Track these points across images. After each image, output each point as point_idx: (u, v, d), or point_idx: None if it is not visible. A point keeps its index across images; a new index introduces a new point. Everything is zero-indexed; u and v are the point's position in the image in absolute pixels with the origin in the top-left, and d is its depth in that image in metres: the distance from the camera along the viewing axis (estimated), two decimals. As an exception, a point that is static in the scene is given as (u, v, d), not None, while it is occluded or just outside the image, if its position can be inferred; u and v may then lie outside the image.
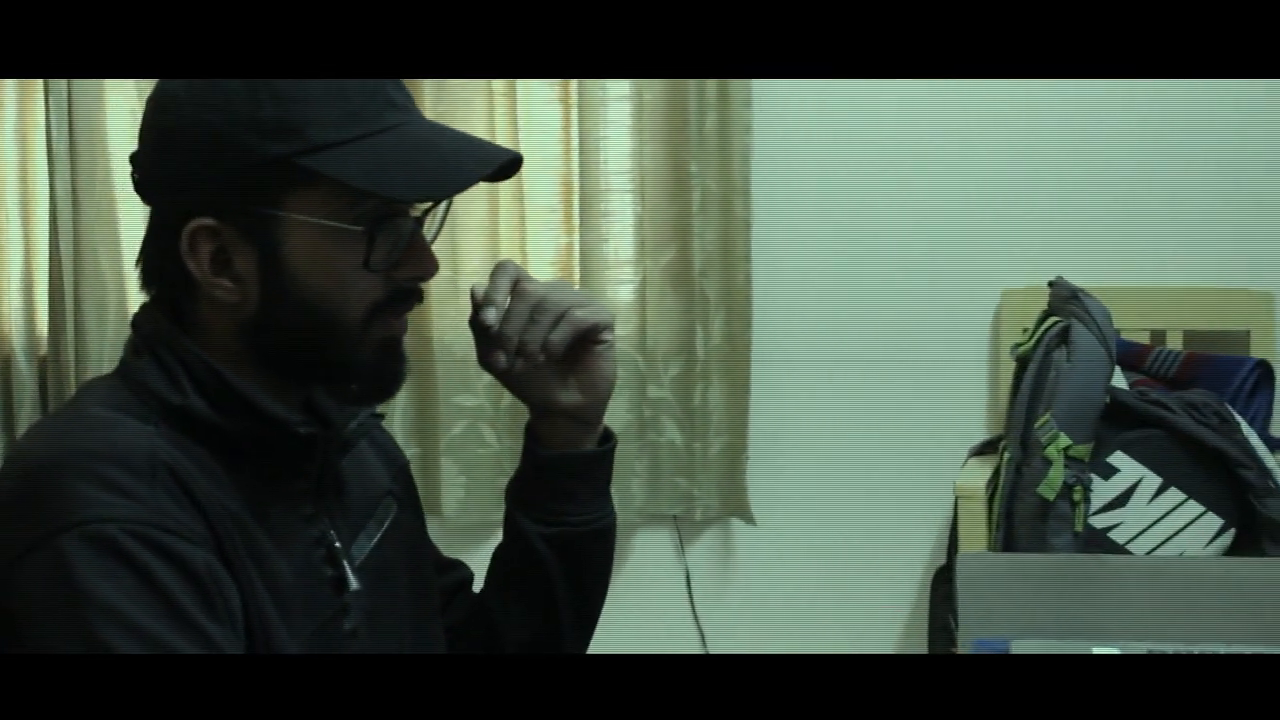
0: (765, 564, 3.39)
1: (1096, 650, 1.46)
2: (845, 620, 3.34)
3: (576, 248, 3.22)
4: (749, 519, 3.33)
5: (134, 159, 1.31)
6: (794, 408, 3.33)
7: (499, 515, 1.53)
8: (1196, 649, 1.44)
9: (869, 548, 3.33)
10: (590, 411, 1.48)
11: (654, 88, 3.15)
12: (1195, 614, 1.73)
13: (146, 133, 1.30)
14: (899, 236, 3.24)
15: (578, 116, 3.15)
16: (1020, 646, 1.47)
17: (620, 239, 3.22)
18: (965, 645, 1.59)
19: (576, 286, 1.48)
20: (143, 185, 1.31)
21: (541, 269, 3.18)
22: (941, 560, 3.19)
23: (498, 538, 1.54)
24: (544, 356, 1.41)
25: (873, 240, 3.25)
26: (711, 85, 3.10)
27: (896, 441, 3.31)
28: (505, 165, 1.32)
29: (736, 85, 3.11)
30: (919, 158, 3.22)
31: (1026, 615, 1.69)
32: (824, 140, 3.22)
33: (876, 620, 3.37)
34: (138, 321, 1.33)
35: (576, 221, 3.21)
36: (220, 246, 1.27)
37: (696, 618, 3.36)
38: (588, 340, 1.44)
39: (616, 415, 3.09)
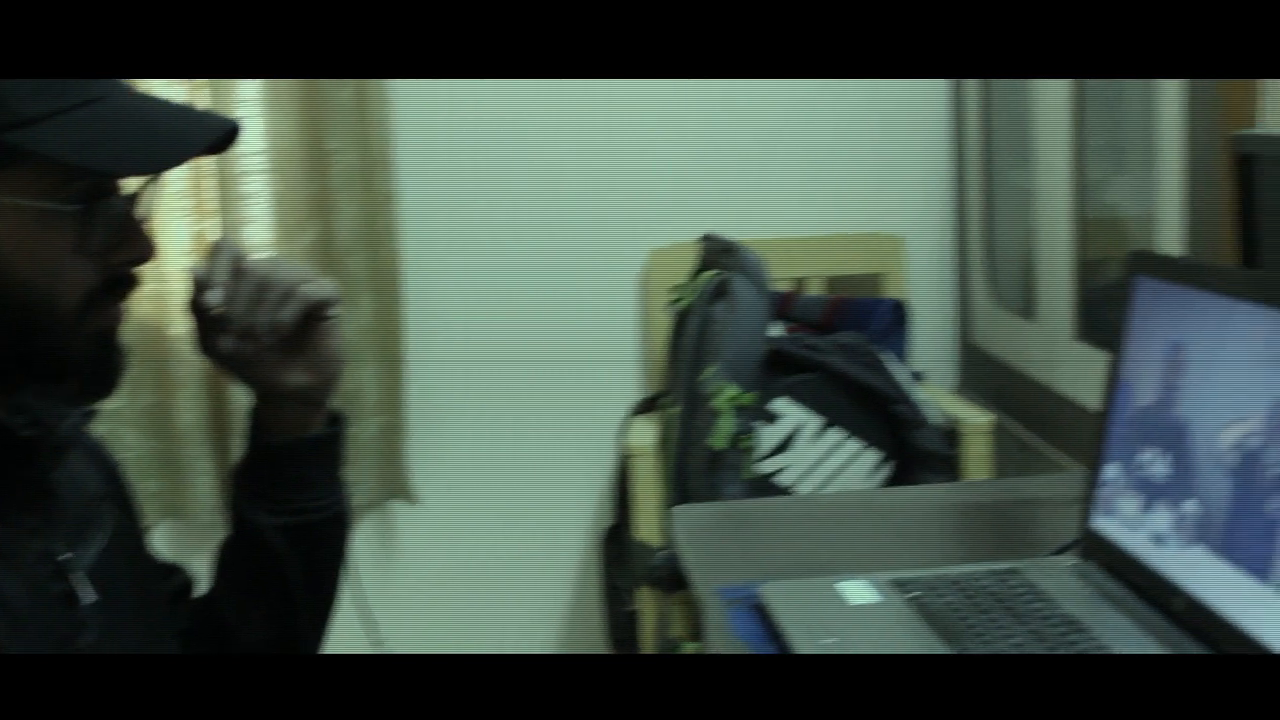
0: (431, 543, 3.34)
1: (841, 585, 1.47)
2: (518, 590, 3.34)
3: (216, 233, 3.07)
4: (411, 499, 3.26)
5: None
6: (451, 383, 3.28)
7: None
8: (923, 572, 1.47)
9: (535, 515, 3.32)
10: (319, 392, 1.40)
11: (284, 64, 3.02)
12: (908, 540, 1.78)
13: None
14: (546, 204, 3.23)
15: (208, 95, 2.99)
16: (771, 589, 1.47)
17: (260, 221, 3.09)
18: (707, 596, 1.58)
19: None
20: None
21: (179, 258, 3.02)
22: (608, 521, 3.20)
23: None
24: (273, 337, 1.33)
25: (521, 209, 3.23)
26: (346, 59, 3.00)
27: (555, 408, 3.30)
28: (225, 134, 1.23)
29: (372, 58, 3.02)
30: (561, 126, 3.21)
31: (752, 559, 1.70)
32: (468, 111, 3.17)
33: (548, 586, 3.37)
34: None
35: (213, 207, 3.05)
36: None
37: (364, 603, 3.26)
38: (314, 317, 1.36)
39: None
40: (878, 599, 1.44)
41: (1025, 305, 3.00)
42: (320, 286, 1.35)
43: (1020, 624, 1.35)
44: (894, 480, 2.86)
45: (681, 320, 2.91)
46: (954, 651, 1.30)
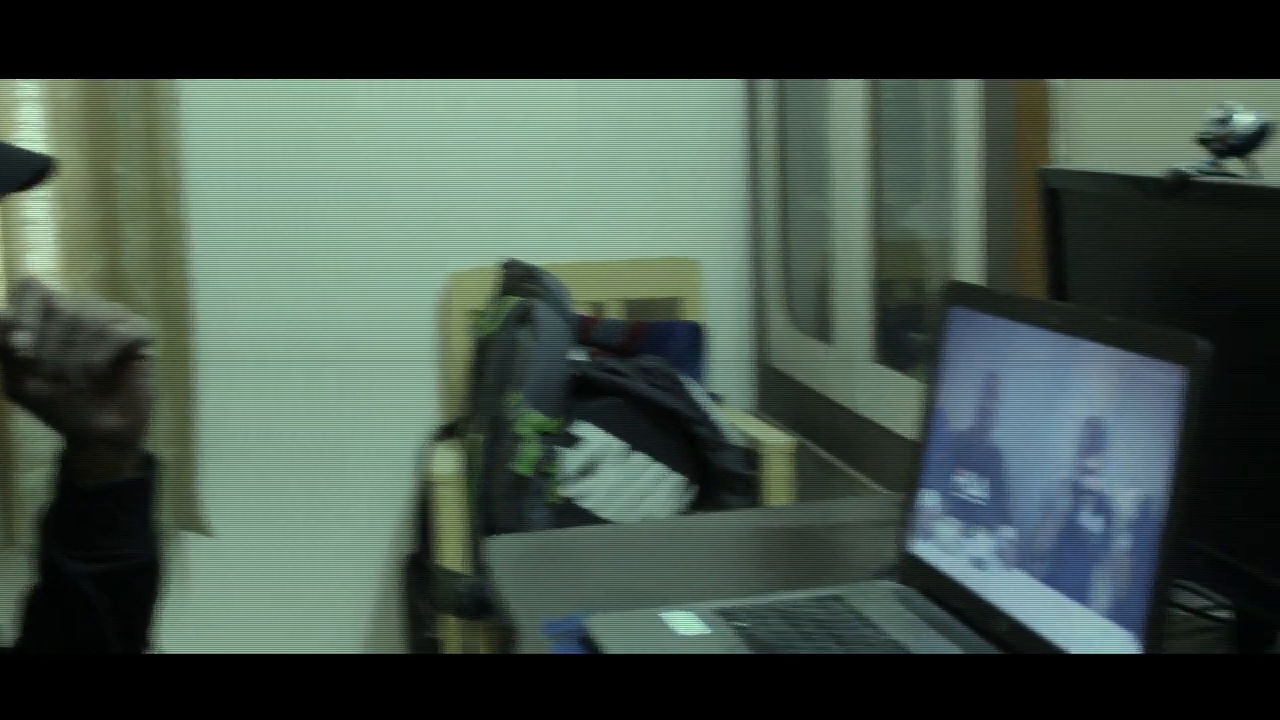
0: (227, 576, 3.26)
1: (667, 616, 1.47)
2: (316, 620, 3.27)
3: (-1, 263, 2.95)
4: (205, 531, 3.18)
5: None
6: (246, 412, 3.21)
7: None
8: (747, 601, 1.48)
9: (333, 544, 3.27)
10: (132, 434, 1.35)
11: (69, 87, 2.93)
12: (726, 568, 1.79)
13: None
14: (342, 228, 3.19)
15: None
16: (597, 622, 1.46)
17: (42, 249, 2.98)
18: (529, 629, 1.56)
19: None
20: None
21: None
22: (409, 548, 3.16)
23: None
24: (84, 379, 1.28)
25: (316, 234, 3.18)
26: (135, 85, 2.92)
27: (352, 434, 3.26)
28: (39, 171, 1.18)
29: (162, 84, 2.94)
30: (356, 150, 3.17)
31: (571, 590, 1.69)
32: (261, 132, 3.11)
33: (348, 614, 3.31)
34: None
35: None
36: None
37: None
38: (128, 357, 1.31)
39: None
40: (705, 630, 1.45)
41: (822, 328, 3.05)
42: (134, 326, 1.30)
43: (846, 650, 1.37)
44: (697, 503, 2.89)
45: (483, 346, 2.89)
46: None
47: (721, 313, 3.35)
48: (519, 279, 2.88)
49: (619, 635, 1.44)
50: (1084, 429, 1.26)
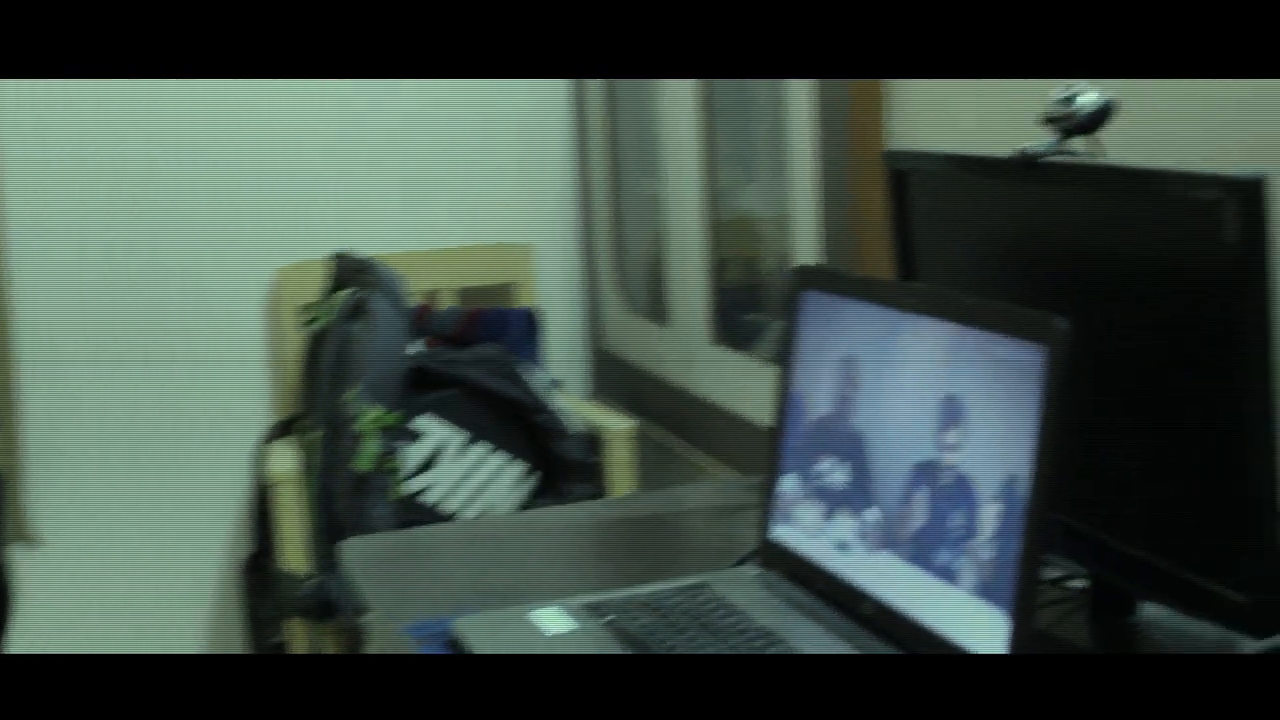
0: (57, 587, 3.16)
1: (534, 615, 1.46)
2: (154, 627, 3.20)
3: None
4: (32, 542, 3.08)
5: None
6: (71, 416, 3.11)
7: None
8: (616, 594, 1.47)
9: (168, 548, 3.20)
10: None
11: None
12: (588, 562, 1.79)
13: None
14: (165, 225, 3.10)
15: None
16: (464, 624, 1.44)
17: None
18: (396, 632, 1.53)
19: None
20: None
21: None
22: (247, 550, 3.10)
23: None
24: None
25: (137, 231, 3.09)
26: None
27: (182, 435, 3.18)
28: None
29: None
30: (177, 143, 3.09)
31: (432, 591, 1.67)
32: (78, 129, 3.02)
33: (186, 620, 3.24)
34: None
35: None
36: None
37: (-15, 657, 3.08)
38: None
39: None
40: (574, 626, 1.44)
41: (657, 310, 3.06)
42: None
43: (718, 640, 1.37)
44: (539, 491, 2.87)
45: (317, 341, 2.84)
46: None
47: (555, 297, 3.34)
48: (351, 271, 2.84)
49: (487, 636, 1.43)
50: (945, 410, 1.27)
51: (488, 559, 1.78)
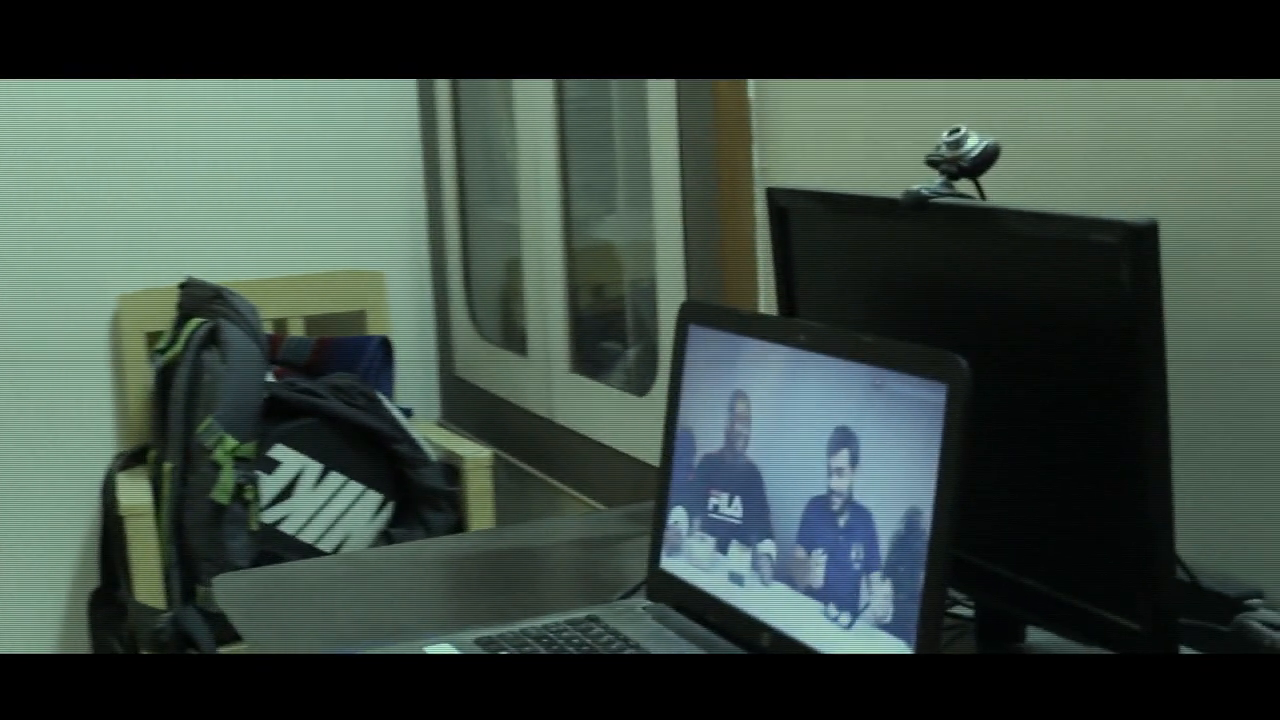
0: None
1: (427, 650, 1.45)
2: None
3: None
4: None
5: None
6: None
7: None
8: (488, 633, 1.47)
9: (11, 583, 3.10)
10: None
11: None
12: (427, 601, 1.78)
13: None
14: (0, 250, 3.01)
15: None
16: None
17: None
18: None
19: None
20: None
21: None
22: (94, 583, 3.02)
23: None
24: None
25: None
26: None
27: (25, 466, 3.09)
28: None
29: None
30: (9, 163, 3.00)
31: (313, 626, 1.65)
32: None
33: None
34: None
35: None
36: None
37: None
38: None
39: None
40: (469, 662, 1.43)
41: (511, 337, 3.06)
42: None
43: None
44: (396, 520, 2.85)
45: (167, 370, 2.79)
46: None
47: (406, 325, 3.32)
48: (203, 300, 2.79)
49: (383, 674, 1.41)
50: (843, 445, 1.29)
51: (363, 593, 1.77)
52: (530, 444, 2.93)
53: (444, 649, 1.46)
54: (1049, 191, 1.62)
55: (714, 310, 1.52)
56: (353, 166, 3.25)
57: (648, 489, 2.43)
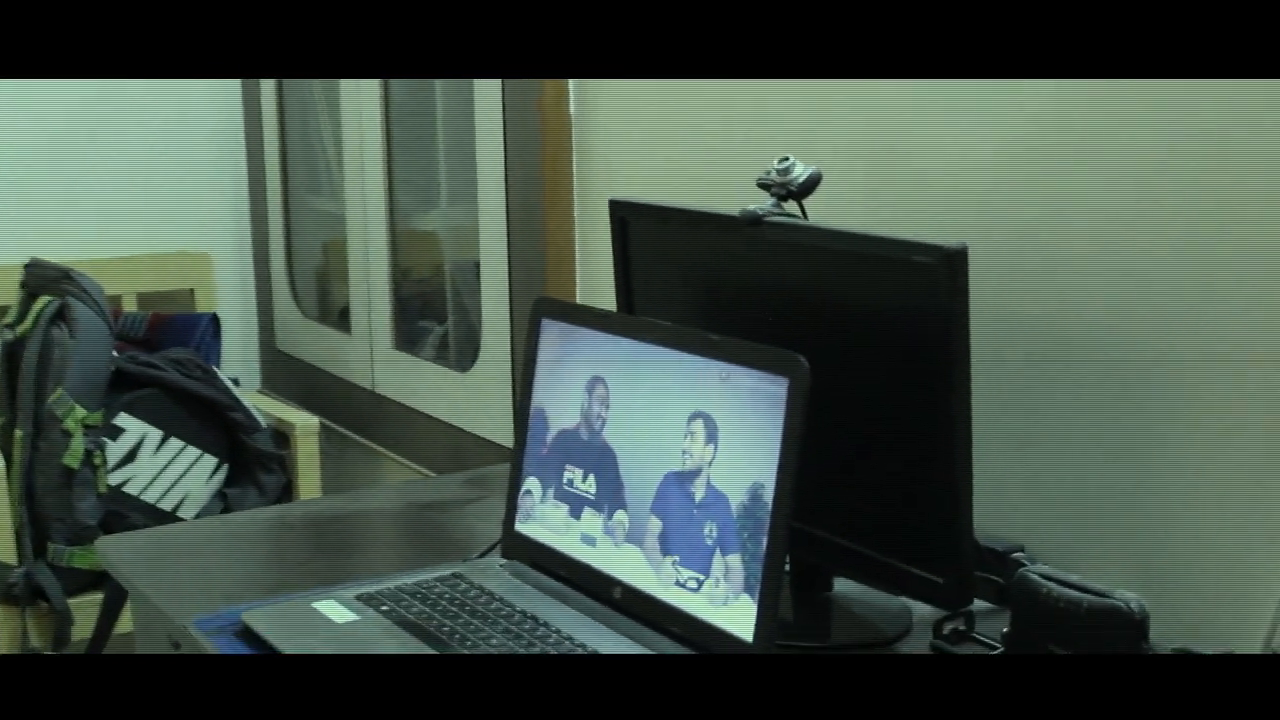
0: None
1: (318, 605, 1.48)
2: None
3: None
4: None
5: None
6: None
7: None
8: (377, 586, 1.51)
9: None
10: None
11: None
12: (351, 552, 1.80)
13: None
14: None
15: None
16: (254, 616, 1.45)
17: None
18: (185, 624, 1.51)
19: None
20: None
21: None
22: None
23: None
24: None
25: None
26: None
27: None
28: None
29: None
30: None
31: (200, 584, 1.65)
32: None
33: None
34: None
35: None
36: None
37: None
38: None
39: None
40: (355, 615, 1.46)
41: (327, 315, 3.08)
42: None
43: (489, 625, 1.42)
44: (230, 481, 2.84)
45: (14, 346, 2.72)
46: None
47: (230, 302, 3.29)
48: (51, 279, 2.72)
49: (280, 626, 1.44)
50: (695, 428, 1.36)
51: (241, 554, 1.78)
52: (352, 413, 2.95)
53: (329, 605, 1.49)
54: (839, 211, 1.72)
55: (565, 306, 1.57)
56: (182, 156, 3.20)
57: (473, 456, 2.48)
